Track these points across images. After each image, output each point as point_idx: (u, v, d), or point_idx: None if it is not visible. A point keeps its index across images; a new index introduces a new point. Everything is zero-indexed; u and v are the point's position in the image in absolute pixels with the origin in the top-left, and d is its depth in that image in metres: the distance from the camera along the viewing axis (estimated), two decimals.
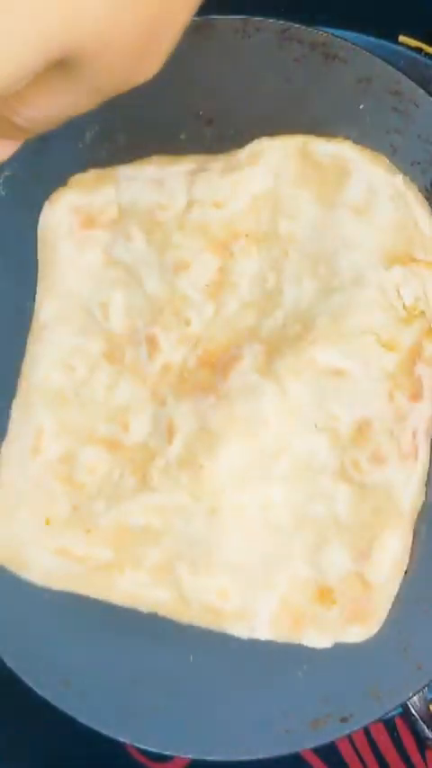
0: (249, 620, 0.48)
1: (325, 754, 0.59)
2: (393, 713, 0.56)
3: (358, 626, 0.47)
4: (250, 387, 0.48)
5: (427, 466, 0.47)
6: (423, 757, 0.59)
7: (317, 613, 0.47)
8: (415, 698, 0.52)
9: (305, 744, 0.47)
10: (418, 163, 0.47)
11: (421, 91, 0.47)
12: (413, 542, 0.47)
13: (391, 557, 0.46)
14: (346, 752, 0.59)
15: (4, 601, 0.52)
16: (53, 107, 0.32)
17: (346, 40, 0.48)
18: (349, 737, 0.59)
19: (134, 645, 0.50)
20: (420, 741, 0.58)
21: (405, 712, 0.54)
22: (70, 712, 0.50)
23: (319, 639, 0.47)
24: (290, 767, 0.56)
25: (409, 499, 0.47)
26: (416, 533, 0.47)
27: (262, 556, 0.48)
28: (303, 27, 0.48)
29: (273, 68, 0.49)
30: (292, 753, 0.48)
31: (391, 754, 0.59)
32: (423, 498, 0.47)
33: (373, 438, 0.47)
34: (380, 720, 0.49)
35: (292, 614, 0.47)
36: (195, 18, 0.49)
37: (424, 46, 0.58)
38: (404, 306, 0.47)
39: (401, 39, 0.58)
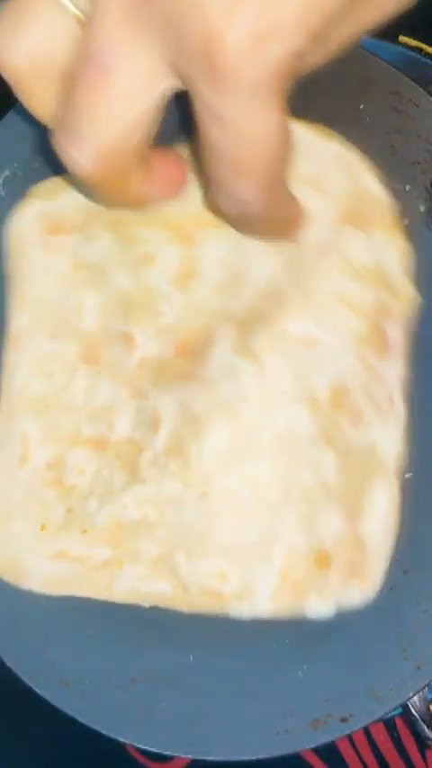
0: (250, 598, 0.48)
1: (325, 754, 0.59)
2: (393, 713, 0.56)
3: (357, 584, 0.47)
4: (228, 367, 0.48)
5: (406, 418, 0.48)
6: (423, 757, 0.59)
7: (316, 580, 0.47)
8: (415, 698, 0.52)
9: (305, 744, 0.47)
10: (418, 163, 0.47)
11: (421, 91, 0.47)
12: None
13: (381, 511, 0.47)
14: (347, 752, 0.59)
15: (4, 601, 0.52)
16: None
17: None
18: (349, 737, 0.59)
19: (134, 645, 0.50)
20: (420, 741, 0.58)
21: (405, 712, 0.54)
22: (70, 712, 0.50)
23: (321, 607, 0.47)
24: (290, 767, 0.56)
25: (393, 453, 0.48)
26: (404, 489, 0.47)
27: (256, 533, 0.48)
28: None
29: None
30: (292, 753, 0.48)
31: (391, 754, 0.59)
32: (406, 449, 0.48)
33: (351, 400, 0.48)
34: (380, 720, 0.49)
35: (293, 586, 0.48)
36: None
37: (424, 46, 0.58)
38: (365, 268, 0.48)
39: (401, 39, 0.58)
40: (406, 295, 0.48)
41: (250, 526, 0.48)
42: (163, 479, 0.49)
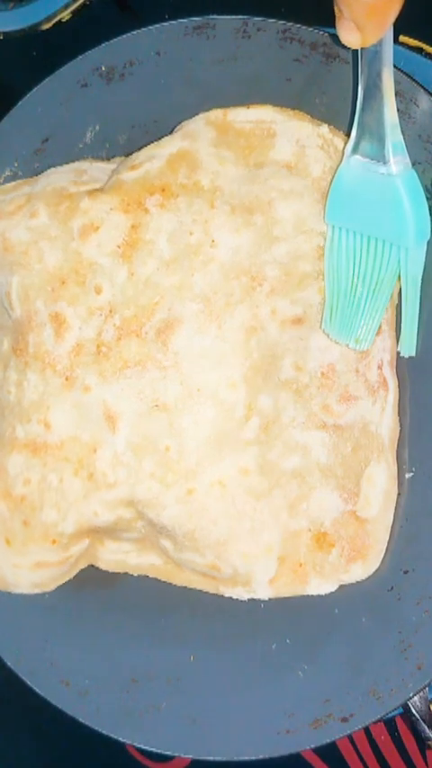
0: (246, 584, 0.48)
1: (326, 755, 0.59)
2: (394, 713, 0.56)
3: (360, 563, 0.47)
4: (204, 352, 0.46)
5: (398, 393, 0.47)
6: (424, 757, 0.59)
7: (317, 560, 0.47)
8: (416, 698, 0.52)
9: (306, 744, 0.47)
10: (419, 163, 0.47)
11: (422, 91, 0.47)
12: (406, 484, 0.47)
13: (379, 488, 0.47)
14: (347, 752, 0.59)
15: (4, 601, 0.52)
16: None
17: None
18: (350, 737, 0.59)
19: (134, 645, 0.50)
20: (421, 741, 0.58)
21: (406, 712, 0.54)
22: (70, 712, 0.50)
23: (323, 586, 0.47)
24: (290, 767, 0.56)
25: (387, 429, 0.47)
26: (400, 461, 0.47)
27: (248, 523, 0.47)
28: (303, 27, 0.48)
29: (273, 68, 0.49)
30: (292, 753, 0.48)
31: (391, 754, 0.59)
32: (399, 426, 0.47)
33: (339, 379, 0.47)
34: (380, 720, 0.49)
35: (293, 568, 0.47)
36: (195, 18, 0.50)
37: (424, 46, 0.58)
38: None
39: (401, 39, 0.58)
40: None
41: (242, 517, 0.46)
42: (137, 482, 0.46)
